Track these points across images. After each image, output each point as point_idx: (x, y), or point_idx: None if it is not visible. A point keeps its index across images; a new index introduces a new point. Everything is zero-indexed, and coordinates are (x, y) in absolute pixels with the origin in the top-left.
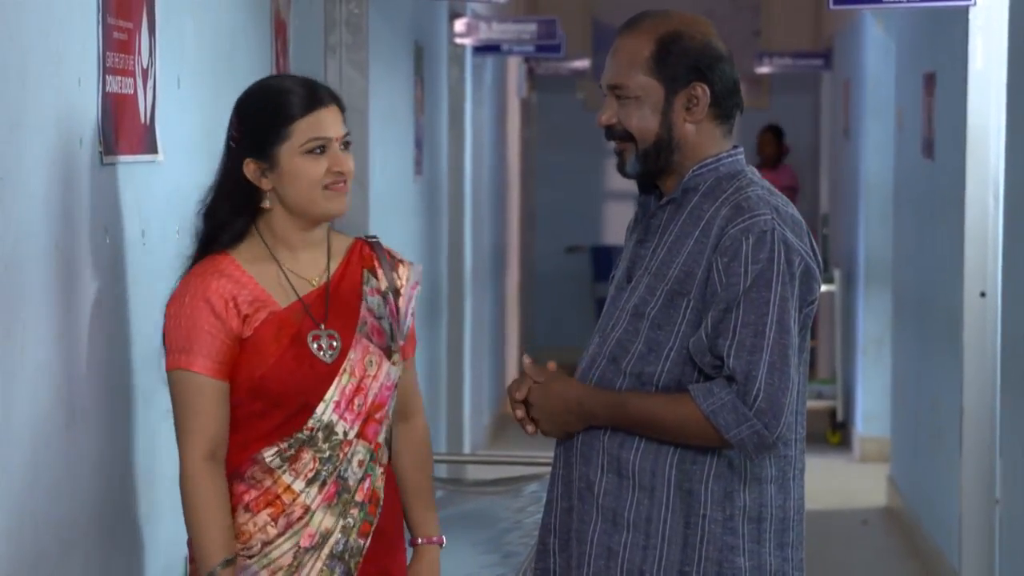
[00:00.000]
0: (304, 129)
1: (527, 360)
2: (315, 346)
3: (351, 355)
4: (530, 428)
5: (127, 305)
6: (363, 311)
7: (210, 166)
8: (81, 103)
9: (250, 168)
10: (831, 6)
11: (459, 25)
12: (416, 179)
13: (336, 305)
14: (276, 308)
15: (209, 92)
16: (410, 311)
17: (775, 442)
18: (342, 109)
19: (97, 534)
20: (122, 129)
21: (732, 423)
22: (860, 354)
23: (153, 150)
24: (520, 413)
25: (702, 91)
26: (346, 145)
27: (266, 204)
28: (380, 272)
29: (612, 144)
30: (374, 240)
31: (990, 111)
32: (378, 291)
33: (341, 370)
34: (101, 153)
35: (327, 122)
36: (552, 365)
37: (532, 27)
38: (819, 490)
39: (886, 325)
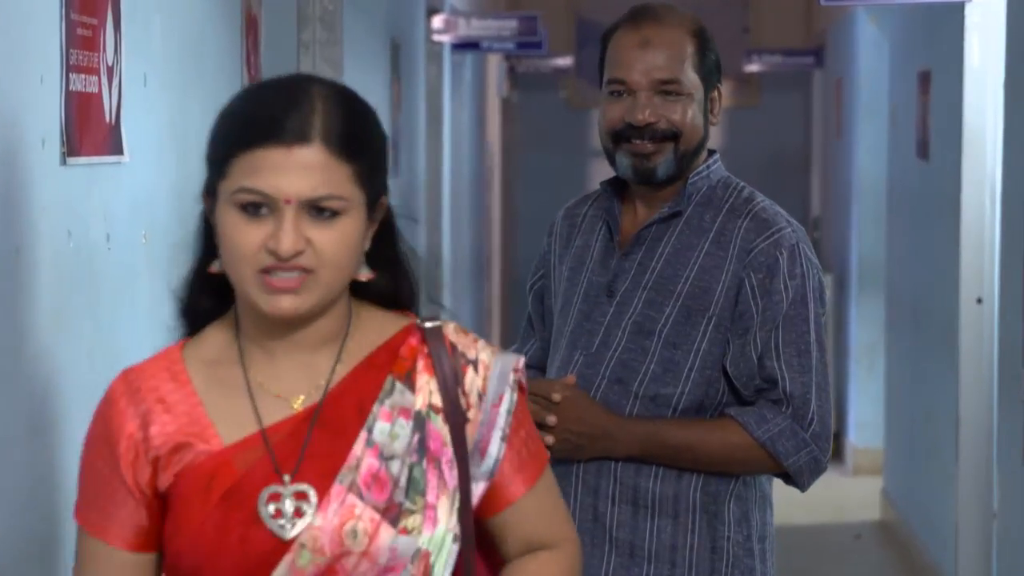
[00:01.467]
0: (239, 170)
1: (572, 377)
2: (270, 509)
3: (316, 519)
4: (549, 439)
5: (91, 312)
6: (357, 448)
7: (178, 168)
8: (43, 102)
9: (207, 205)
10: (822, 2)
11: (437, 21)
12: (392, 181)
13: (321, 442)
14: (212, 446)
15: (177, 91)
16: (500, 433)
17: (826, 467)
18: (340, 152)
19: (57, 548)
20: (86, 129)
21: (792, 450)
22: (852, 362)
23: (119, 151)
24: (553, 419)
25: (719, 93)
26: (329, 214)
27: (215, 268)
28: (422, 379)
29: (627, 144)
30: (433, 326)
31: (987, 110)
32: (406, 412)
33: (295, 545)
34: (64, 154)
35: (277, 168)
36: (572, 379)
37: (513, 23)
38: (811, 503)
39: (879, 332)
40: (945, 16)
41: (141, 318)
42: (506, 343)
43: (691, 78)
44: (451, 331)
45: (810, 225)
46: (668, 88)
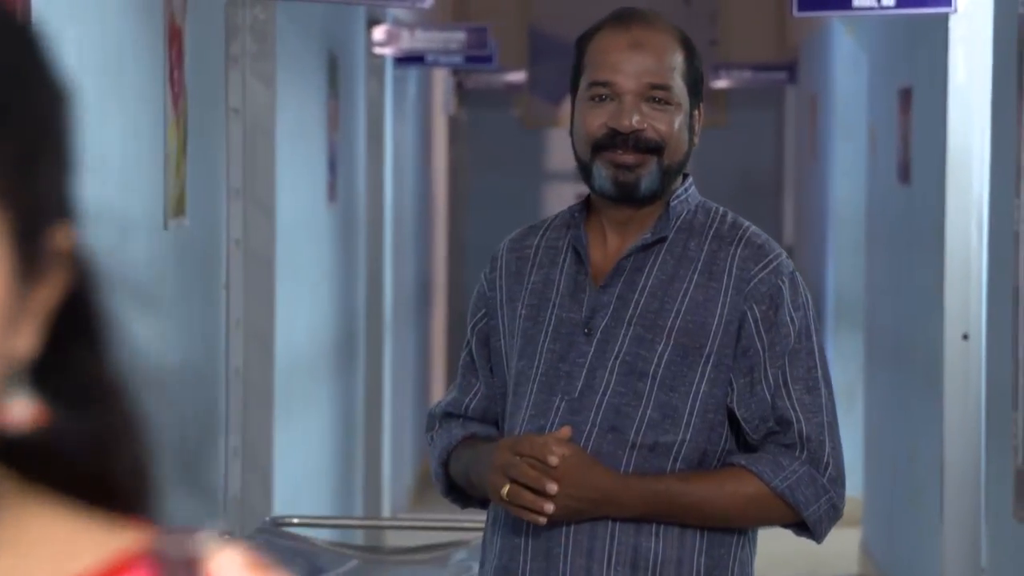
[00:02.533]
0: None
1: (566, 430)
2: None
3: None
4: (549, 507)
5: None
6: None
7: (94, 188)
8: None
9: None
10: (795, 13)
11: (378, 33)
12: (329, 205)
13: None
14: None
15: (93, 109)
16: None
17: (842, 514)
18: None
19: None
20: None
21: (812, 498)
22: None
23: None
24: (554, 487)
25: (700, 111)
26: None
27: None
28: None
29: (607, 154)
30: (184, 552)
31: (972, 131)
32: None
33: None
34: None
35: None
36: (566, 431)
37: (460, 36)
38: (784, 558)
39: (857, 371)
40: (928, 29)
41: None
42: (450, 379)
43: (680, 87)
44: (227, 569)
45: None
46: (657, 94)
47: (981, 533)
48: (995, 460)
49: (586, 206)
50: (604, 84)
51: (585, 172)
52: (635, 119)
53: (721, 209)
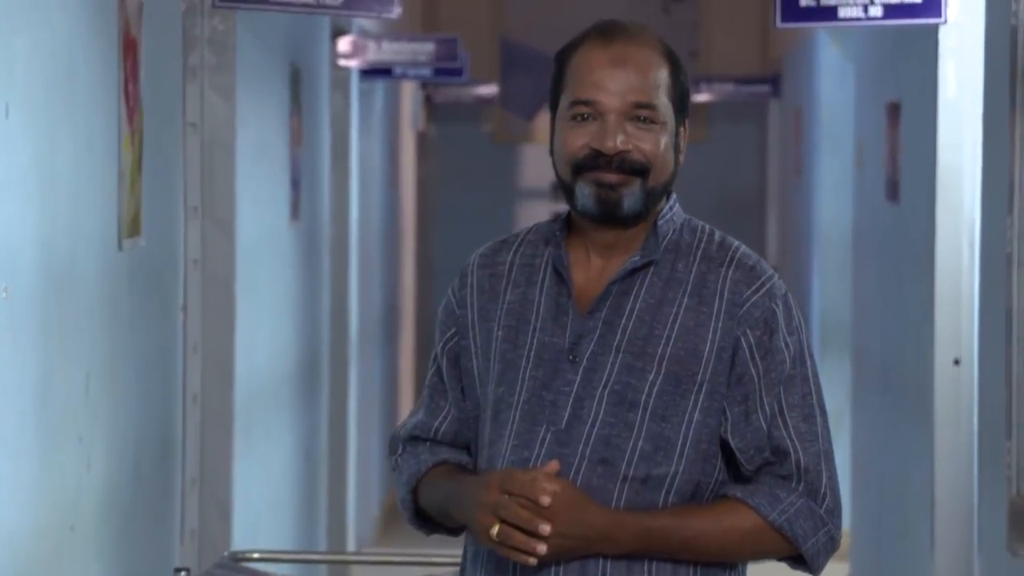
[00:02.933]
0: None
1: (554, 464)
2: None
3: None
4: (542, 548)
5: None
6: None
7: (44, 210)
8: None
9: None
10: (779, 23)
11: (343, 44)
12: (292, 224)
13: None
14: None
15: (44, 122)
16: None
17: (839, 546)
18: None
19: None
20: None
21: (810, 531)
22: None
23: None
24: (547, 528)
25: (686, 128)
26: None
27: None
28: None
29: (589, 174)
30: None
31: (963, 146)
32: None
33: None
34: None
35: None
36: (554, 465)
37: (429, 47)
38: None
39: (844, 398)
40: (917, 40)
41: (6, 381)
42: None
43: (665, 105)
44: None
45: None
46: (642, 113)
47: (974, 567)
48: (988, 491)
49: (566, 223)
50: (586, 103)
51: (567, 192)
52: (619, 140)
53: (707, 227)
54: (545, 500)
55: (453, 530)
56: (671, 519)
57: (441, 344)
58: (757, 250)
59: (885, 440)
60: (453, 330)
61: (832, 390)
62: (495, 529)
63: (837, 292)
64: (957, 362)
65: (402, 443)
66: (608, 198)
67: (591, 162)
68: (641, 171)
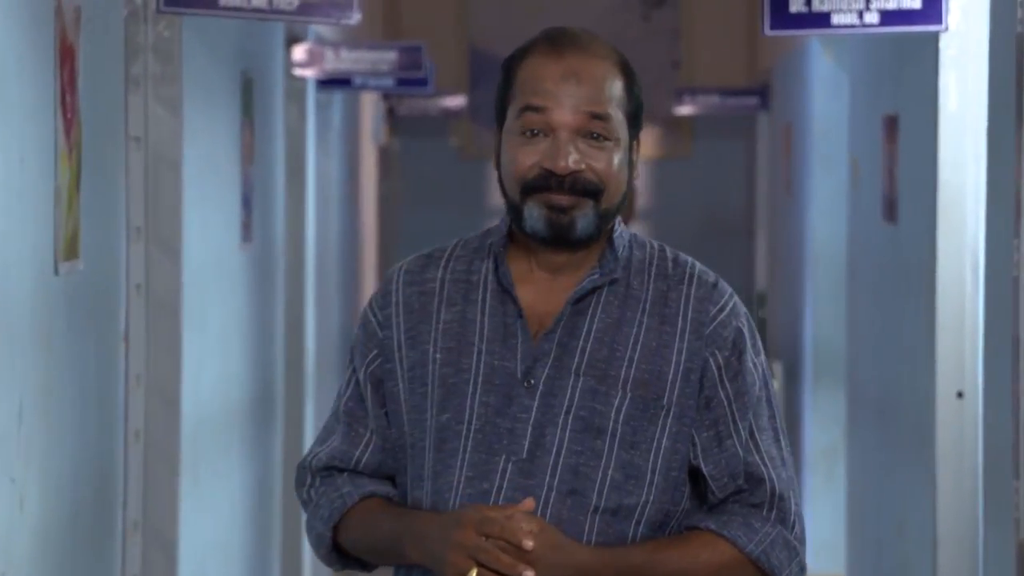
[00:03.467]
0: None
1: (530, 502)
2: None
3: None
4: None
5: None
6: None
7: None
8: None
9: None
10: (767, 31)
11: (299, 52)
12: (243, 246)
13: None
14: None
15: None
16: None
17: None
18: None
19: None
20: None
21: (785, 560)
22: (807, 469)
23: None
24: (531, 574)
25: (639, 143)
26: None
27: None
28: None
29: (539, 194)
30: None
31: (966, 163)
32: None
33: None
34: None
35: None
36: (529, 504)
37: (392, 55)
38: None
39: (839, 433)
40: (916, 49)
41: None
42: None
43: (619, 120)
44: None
45: (754, 302)
46: (596, 128)
47: None
48: (994, 534)
49: (507, 236)
50: (537, 109)
51: (515, 213)
52: (572, 159)
53: (656, 243)
54: (528, 544)
55: (367, 566)
56: (650, 555)
57: (363, 367)
58: (745, 275)
59: (883, 478)
60: (375, 352)
61: (826, 425)
62: (472, 573)
63: (831, 320)
64: (960, 395)
65: (313, 474)
66: (559, 221)
67: (542, 182)
68: (594, 192)
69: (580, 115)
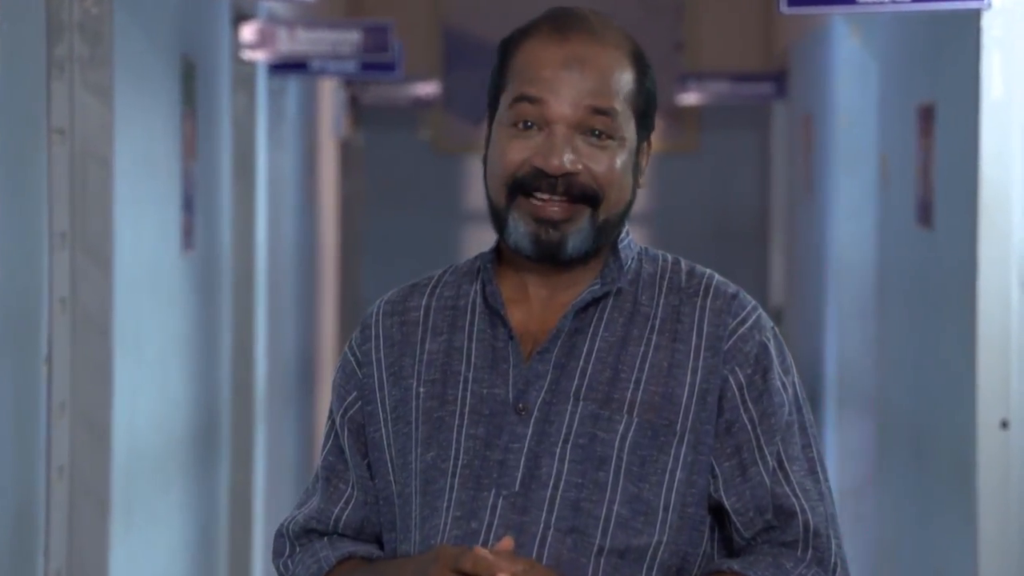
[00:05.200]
0: None
1: (508, 541)
2: None
3: None
4: None
5: None
6: None
7: None
8: None
9: None
10: (784, 8)
11: (248, 33)
12: (184, 254)
13: None
14: None
15: None
16: None
17: None
18: None
19: None
20: None
21: None
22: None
23: None
24: None
25: (650, 143)
26: None
27: None
28: None
29: (526, 201)
30: None
31: (1012, 158)
32: None
33: None
34: None
35: None
36: (508, 543)
37: (355, 36)
38: None
39: (867, 468)
40: (955, 29)
41: None
42: None
43: (626, 116)
44: None
45: (769, 317)
46: (598, 124)
47: None
48: None
49: (496, 252)
50: (532, 100)
51: (497, 219)
52: (567, 158)
53: (670, 256)
54: None
55: None
56: None
57: (340, 413)
58: (759, 285)
59: (918, 519)
60: (354, 394)
61: (851, 459)
62: None
63: (857, 339)
64: (1005, 425)
65: (291, 540)
66: (548, 239)
67: (530, 182)
68: (591, 198)
69: (580, 109)
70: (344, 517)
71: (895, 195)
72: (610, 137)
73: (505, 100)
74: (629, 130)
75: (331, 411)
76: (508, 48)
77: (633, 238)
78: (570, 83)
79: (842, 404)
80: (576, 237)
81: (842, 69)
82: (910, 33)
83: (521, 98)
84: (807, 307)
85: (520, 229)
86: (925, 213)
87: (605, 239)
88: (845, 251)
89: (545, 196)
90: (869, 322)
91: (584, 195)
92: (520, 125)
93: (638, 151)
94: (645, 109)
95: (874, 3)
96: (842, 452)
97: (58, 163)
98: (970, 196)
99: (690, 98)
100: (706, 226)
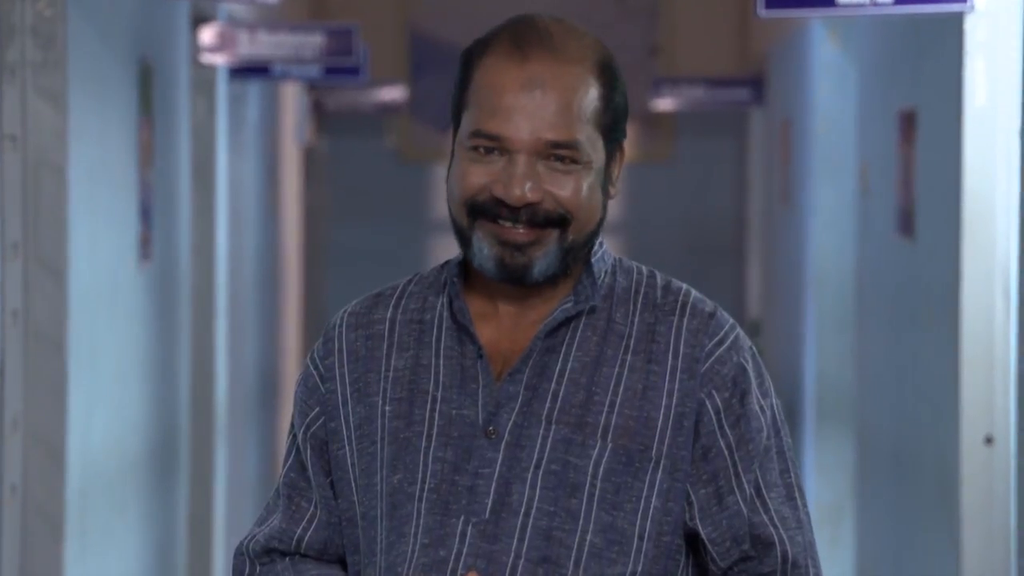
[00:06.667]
0: None
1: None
2: None
3: None
4: None
5: None
6: None
7: None
8: None
9: None
10: (761, 11)
11: (207, 35)
12: (141, 266)
13: None
14: None
15: None
16: None
17: None
18: None
19: None
20: None
21: None
22: None
23: None
24: None
25: (622, 152)
26: None
27: None
28: None
29: (490, 224)
30: None
31: (995, 167)
32: None
33: None
34: None
35: None
36: None
37: (318, 39)
38: None
39: (847, 486)
40: (937, 33)
41: None
42: None
43: (591, 139)
44: None
45: (745, 331)
46: (560, 153)
47: None
48: None
49: (462, 267)
50: (491, 136)
51: (462, 238)
52: (528, 188)
53: (645, 269)
54: None
55: None
56: None
57: (302, 429)
58: (735, 298)
59: (899, 540)
60: (316, 410)
61: (831, 477)
62: None
63: (837, 352)
64: (989, 441)
65: (251, 560)
66: (514, 263)
67: (491, 208)
68: (558, 221)
69: (541, 140)
70: (307, 538)
71: (875, 204)
72: (574, 162)
73: (466, 123)
74: (596, 151)
75: (292, 425)
76: (469, 60)
77: (608, 248)
78: (530, 111)
79: (821, 420)
80: (543, 261)
81: (821, 74)
82: (891, 37)
83: (480, 131)
84: (785, 320)
85: (484, 251)
86: (906, 223)
87: (574, 260)
88: (824, 262)
89: (508, 224)
90: (849, 335)
91: (549, 220)
92: (481, 150)
93: (609, 163)
94: (613, 124)
95: (854, 5)
96: (820, 469)
97: (10, 171)
98: (953, 205)
99: (665, 104)
100: (681, 237)
